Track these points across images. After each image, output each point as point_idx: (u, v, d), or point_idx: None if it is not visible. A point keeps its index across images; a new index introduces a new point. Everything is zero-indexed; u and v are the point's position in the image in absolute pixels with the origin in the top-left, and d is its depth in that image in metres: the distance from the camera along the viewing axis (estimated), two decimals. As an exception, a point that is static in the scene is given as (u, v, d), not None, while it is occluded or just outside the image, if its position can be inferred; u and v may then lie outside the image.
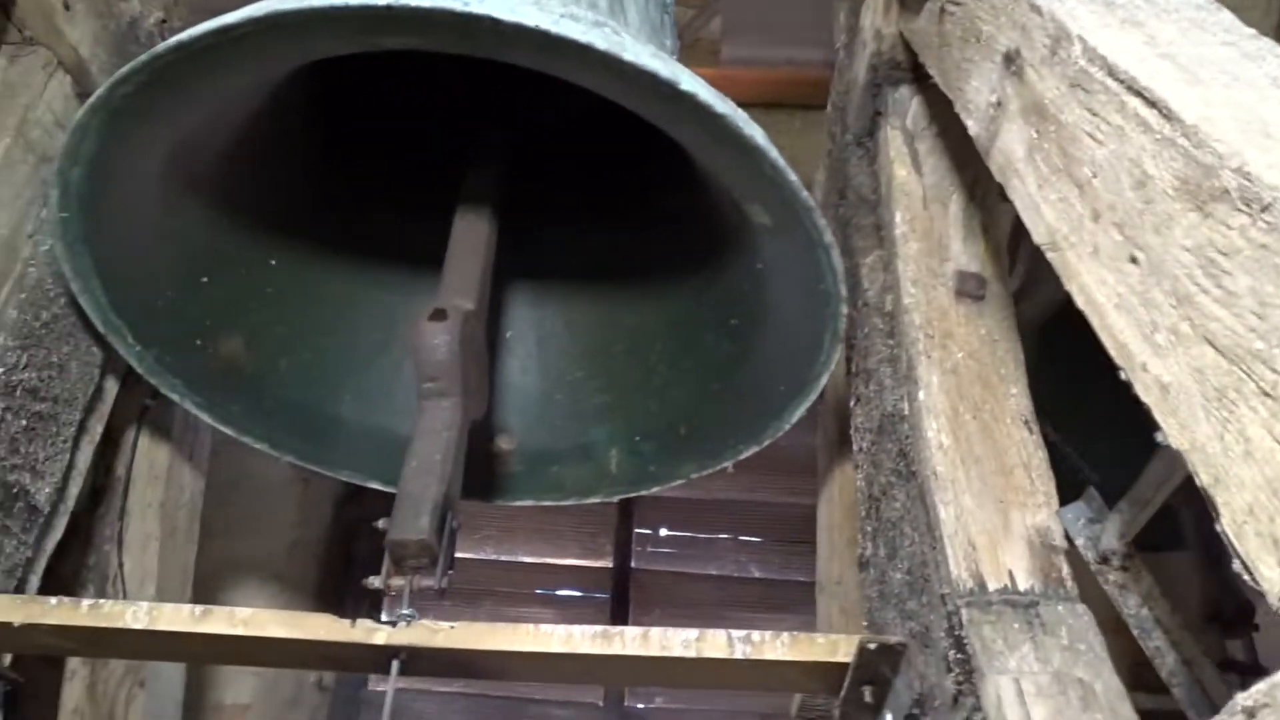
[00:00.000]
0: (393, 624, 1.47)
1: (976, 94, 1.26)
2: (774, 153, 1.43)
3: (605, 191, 2.26)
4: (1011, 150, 1.11)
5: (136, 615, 1.46)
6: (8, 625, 1.46)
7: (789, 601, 3.94)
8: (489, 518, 4.09)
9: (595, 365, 2.26)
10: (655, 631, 1.43)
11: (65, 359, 1.87)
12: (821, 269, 1.61)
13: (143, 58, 1.36)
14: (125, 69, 1.38)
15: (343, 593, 3.99)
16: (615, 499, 2.32)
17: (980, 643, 1.27)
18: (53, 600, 1.48)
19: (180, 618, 1.45)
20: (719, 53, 2.37)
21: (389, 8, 1.27)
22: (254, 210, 1.96)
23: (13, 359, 1.73)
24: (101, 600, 1.47)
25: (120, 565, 2.30)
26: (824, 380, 1.83)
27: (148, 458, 2.37)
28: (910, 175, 1.73)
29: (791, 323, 1.82)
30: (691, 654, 1.42)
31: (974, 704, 1.24)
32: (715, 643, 1.42)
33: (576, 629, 1.44)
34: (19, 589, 1.74)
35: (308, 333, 2.14)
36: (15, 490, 1.73)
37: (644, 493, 2.25)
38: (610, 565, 3.98)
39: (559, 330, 2.31)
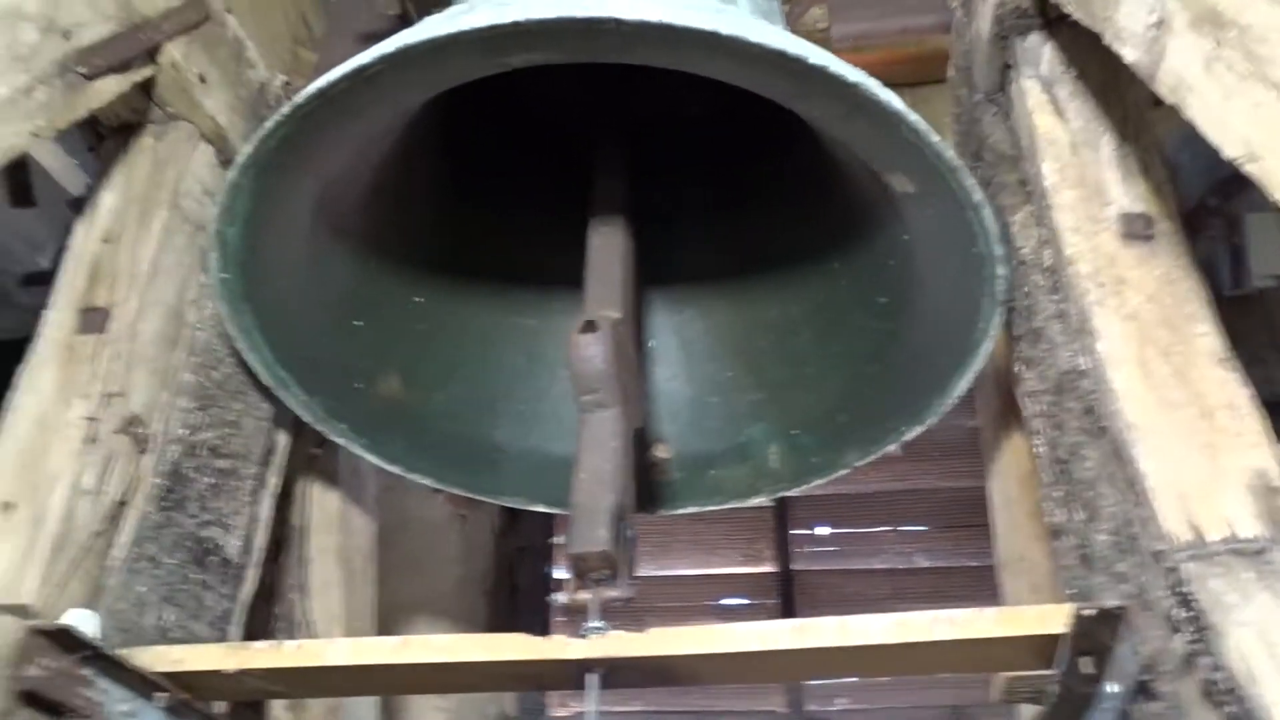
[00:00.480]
0: (585, 637, 1.47)
1: (1130, 19, 1.19)
2: (913, 116, 1.39)
3: (730, 188, 2.25)
4: (1183, 68, 1.04)
5: (338, 652, 1.49)
6: (219, 673, 1.52)
7: (962, 588, 3.81)
8: (643, 533, 4.07)
9: (743, 363, 2.23)
10: (852, 620, 1.39)
11: (239, 416, 1.95)
12: (974, 231, 1.55)
13: (285, 109, 1.41)
14: (270, 123, 1.43)
15: (511, 623, 4.04)
16: (779, 496, 2.28)
17: (1209, 597, 1.19)
18: (259, 645, 1.54)
19: (381, 650, 1.49)
20: (828, 34, 2.31)
21: (515, 25, 1.28)
22: (394, 251, 2.01)
23: (194, 420, 1.81)
24: (304, 641, 1.51)
25: (307, 611, 2.38)
26: (987, 348, 1.76)
27: (320, 506, 2.46)
28: (1054, 123, 1.65)
29: (946, 292, 1.76)
30: (892, 640, 1.37)
31: (1212, 663, 1.16)
32: (916, 626, 1.37)
33: (771, 625, 1.41)
34: (221, 640, 1.82)
35: (457, 365, 2.18)
36: (209, 545, 1.81)
37: (808, 487, 2.20)
38: (773, 570, 3.93)
39: (701, 333, 2.30)
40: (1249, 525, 1.26)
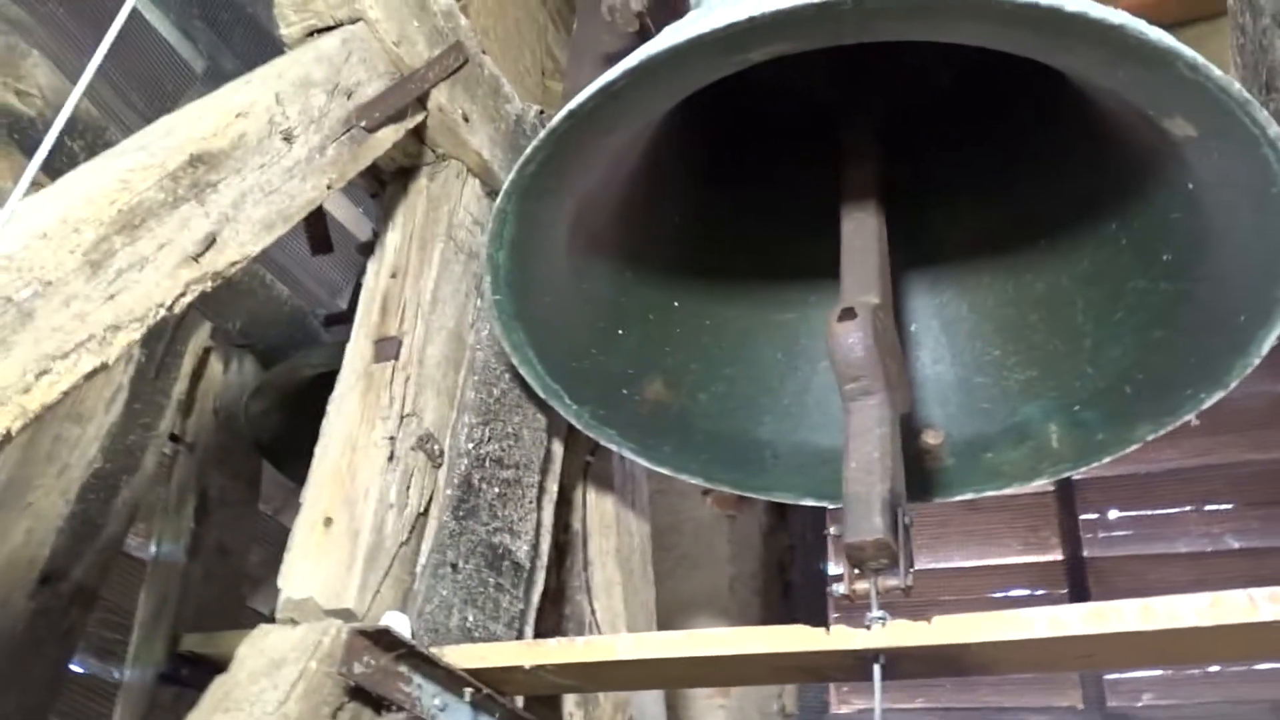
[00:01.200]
0: (868, 627, 1.45)
1: None
2: (1189, 52, 1.28)
3: (981, 160, 2.15)
4: None
5: (625, 647, 1.55)
6: (518, 669, 1.62)
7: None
8: (917, 525, 3.97)
9: (1012, 340, 2.12)
10: (1158, 602, 1.29)
11: (518, 428, 2.07)
12: (1272, 170, 1.41)
13: (542, 134, 1.49)
14: (529, 149, 1.51)
15: (788, 620, 4.04)
16: (1063, 476, 2.14)
17: None
18: (552, 641, 1.62)
19: (665, 644, 1.53)
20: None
21: (750, 20, 1.29)
22: (648, 258, 2.07)
23: (479, 434, 1.95)
24: (593, 637, 1.58)
25: (593, 611, 2.49)
26: (1297, 299, 1.59)
27: (597, 510, 2.57)
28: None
29: (1240, 242, 1.60)
30: (1206, 623, 1.26)
31: None
32: (1233, 606, 1.26)
33: (1063, 609, 1.34)
34: (518, 639, 1.93)
35: (717, 365, 2.21)
36: (500, 551, 1.93)
37: (1094, 465, 2.06)
38: (1060, 558, 3.71)
39: (963, 313, 2.21)
40: None
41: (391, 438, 1.79)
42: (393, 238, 2.07)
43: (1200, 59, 1.29)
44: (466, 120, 2.08)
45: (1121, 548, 3.67)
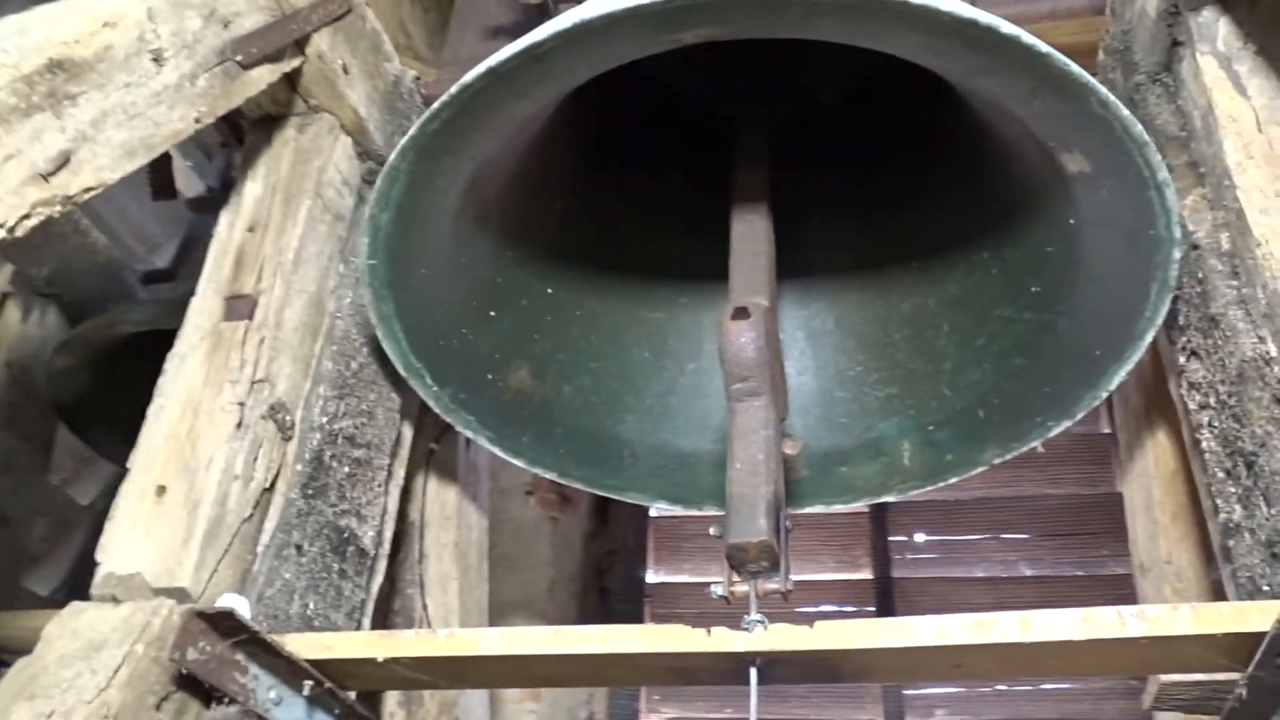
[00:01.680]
0: (747, 630, 1.43)
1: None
2: (1103, 90, 1.33)
3: (864, 178, 2.19)
4: None
5: (492, 642, 1.46)
6: (370, 662, 1.50)
7: (1066, 598, 3.70)
8: (737, 539, 4.03)
9: (875, 357, 2.17)
10: (1036, 616, 1.32)
11: (373, 406, 1.94)
12: (1153, 212, 1.48)
13: (453, 90, 1.39)
14: (436, 104, 1.41)
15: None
16: (910, 494, 2.21)
17: None
18: (409, 633, 1.52)
19: (535, 641, 1.45)
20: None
21: (693, -3, 1.25)
22: (530, 240, 1.99)
23: (333, 408, 1.81)
24: (456, 630, 1.49)
25: (425, 606, 2.37)
26: (1150, 337, 1.68)
27: (438, 501, 2.45)
28: (1235, 99, 1.58)
29: (1109, 278, 1.69)
30: (1079, 636, 1.31)
31: None
32: (1104, 622, 1.31)
33: (947, 619, 1.35)
34: (357, 631, 1.80)
35: (585, 358, 2.15)
36: (346, 535, 1.80)
37: (940, 485, 2.13)
38: (870, 576, 3.85)
39: (829, 327, 2.24)
40: None
41: (241, 403, 1.64)
42: (252, 188, 1.91)
43: (1112, 97, 1.34)
44: (346, 72, 1.94)
45: (926, 570, 3.85)
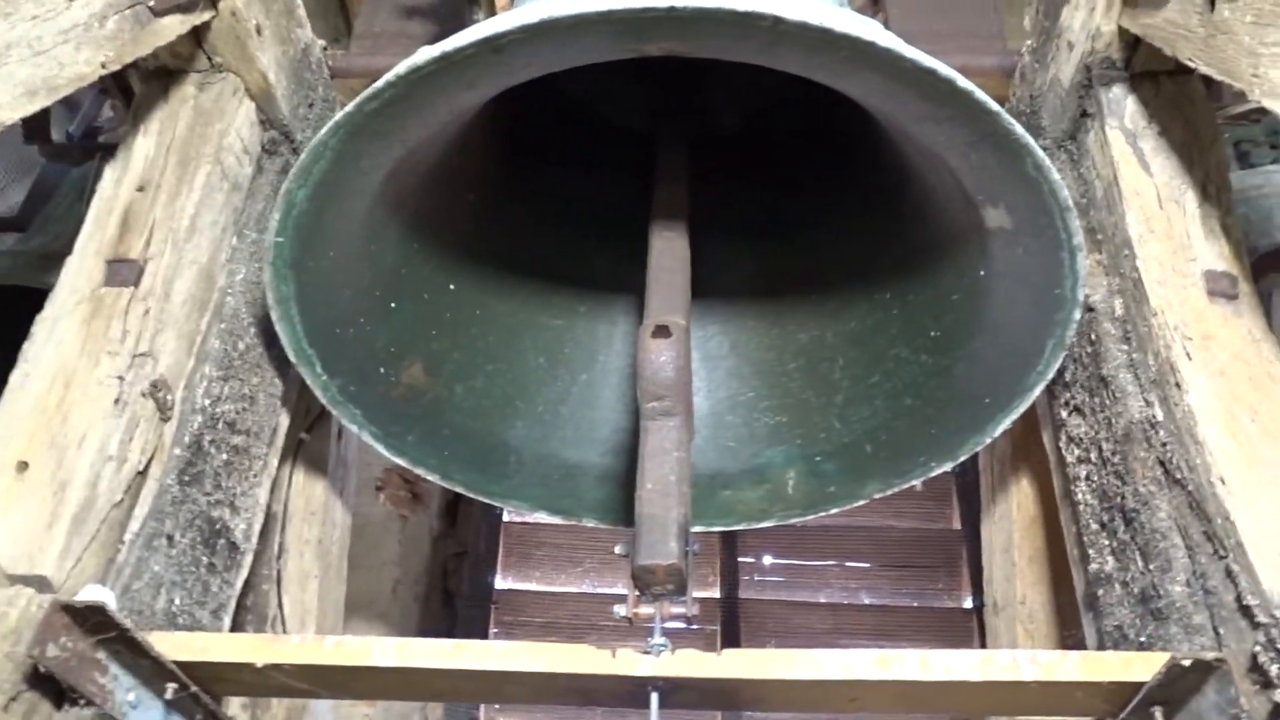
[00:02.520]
0: (651, 653, 1.41)
1: (1294, 79, 1.20)
2: (1040, 152, 1.38)
3: (773, 206, 2.22)
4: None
5: (384, 653, 1.39)
6: (248, 667, 1.40)
7: (902, 628, 3.85)
8: (589, 549, 4.03)
9: (768, 384, 2.20)
10: (936, 655, 1.36)
11: (255, 391, 1.83)
12: (1063, 274, 1.55)
13: (399, 70, 1.32)
14: (380, 84, 1.33)
15: (446, 629, 3.91)
16: (789, 521, 2.24)
17: (1316, 656, 1.20)
18: (295, 639, 1.43)
19: (433, 653, 1.39)
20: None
21: (670, 9, 1.23)
22: (441, 233, 1.92)
23: (216, 390, 1.69)
24: (345, 638, 1.41)
25: (280, 604, 2.25)
26: (1039, 390, 1.76)
27: (304, 494, 2.33)
28: (1139, 175, 1.68)
29: (1009, 331, 1.76)
30: (976, 678, 1.35)
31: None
32: (1002, 664, 1.35)
33: (854, 653, 1.37)
34: (219, 630, 1.69)
35: (480, 359, 2.09)
36: (219, 526, 1.68)
37: (819, 515, 2.17)
38: (718, 596, 3.90)
39: (724, 350, 2.26)
40: (1343, 588, 1.28)
41: (120, 377, 1.51)
42: (143, 145, 1.77)
43: (1047, 160, 1.40)
44: (259, 34, 1.82)
45: (772, 593, 3.93)
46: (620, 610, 1.53)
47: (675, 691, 1.42)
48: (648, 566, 1.45)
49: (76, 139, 2.93)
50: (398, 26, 2.28)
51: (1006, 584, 2.32)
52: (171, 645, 1.39)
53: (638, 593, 1.51)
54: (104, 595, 1.38)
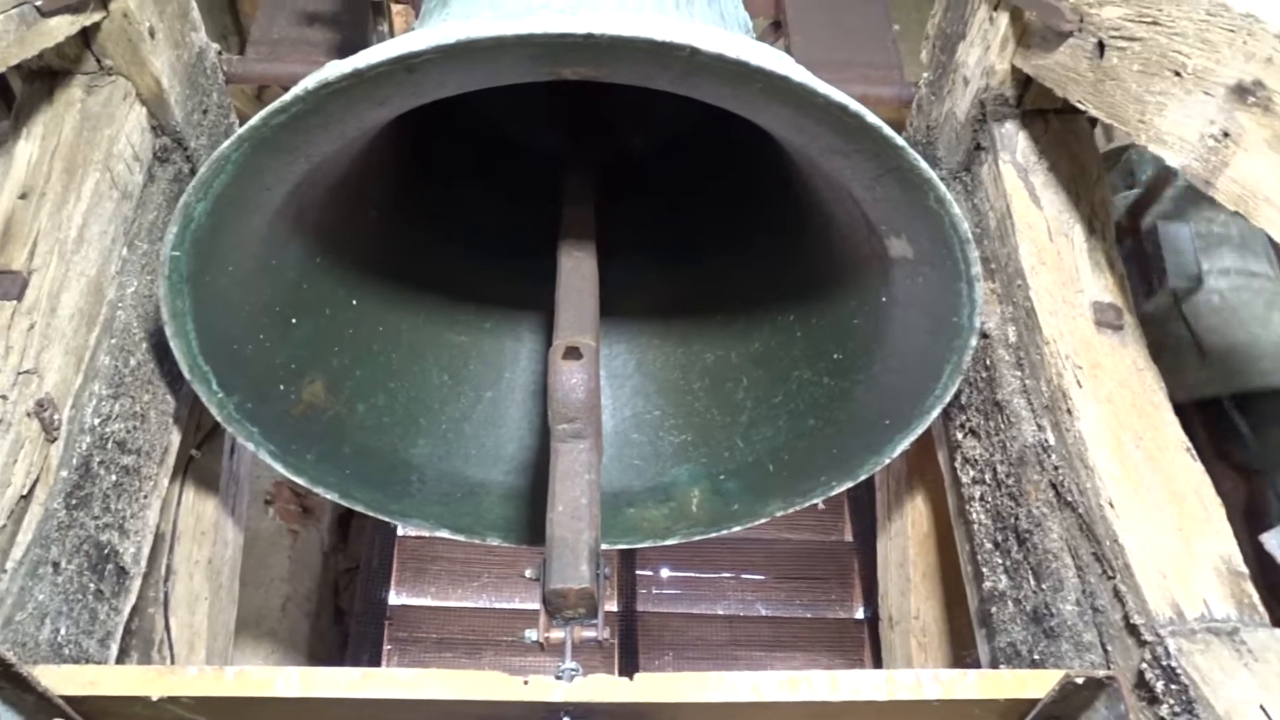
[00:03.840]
0: (561, 679, 1.40)
1: (1180, 126, 1.27)
2: (942, 187, 1.43)
3: (677, 226, 2.24)
4: (1257, 179, 1.13)
5: (288, 682, 1.35)
6: (142, 700, 1.34)
7: (796, 639, 3.92)
8: (485, 564, 3.98)
9: (673, 403, 2.21)
10: (844, 675, 1.39)
11: (146, 408, 1.76)
12: (960, 302, 1.60)
13: (308, 85, 1.28)
14: (288, 96, 1.29)
15: (339, 650, 3.81)
16: (692, 539, 2.26)
17: (1198, 673, 1.27)
18: (193, 670, 1.36)
19: (338, 683, 1.35)
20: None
21: (588, 36, 1.23)
22: (344, 247, 1.88)
23: (106, 409, 1.62)
24: (247, 668, 1.36)
25: (168, 628, 2.16)
26: (936, 413, 1.82)
27: (194, 513, 2.25)
28: (1030, 208, 1.75)
29: (908, 356, 1.81)
30: (882, 696, 1.38)
31: (1199, 734, 1.23)
32: (906, 684, 1.39)
33: (762, 676, 1.39)
34: (104, 660, 1.61)
35: (382, 376, 2.05)
36: (107, 551, 1.61)
37: (722, 532, 2.20)
38: (615, 609, 3.90)
39: (630, 369, 2.27)
40: (1220, 605, 1.35)
41: (3, 396, 1.43)
42: (25, 149, 1.68)
43: (948, 194, 1.44)
44: (152, 37, 1.75)
45: (669, 605, 3.95)
46: (531, 634, 1.52)
47: (587, 717, 1.42)
48: (559, 590, 1.45)
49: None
50: (297, 33, 2.22)
51: (901, 598, 2.39)
52: (59, 679, 1.32)
53: (549, 616, 1.51)
54: (-18, 629, 1.30)
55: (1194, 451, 1.51)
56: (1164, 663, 1.30)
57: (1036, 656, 1.54)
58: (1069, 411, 1.55)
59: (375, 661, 3.62)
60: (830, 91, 1.31)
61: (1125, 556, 1.40)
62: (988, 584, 1.74)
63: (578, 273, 1.83)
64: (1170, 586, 1.36)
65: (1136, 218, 3.12)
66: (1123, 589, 1.40)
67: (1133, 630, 1.37)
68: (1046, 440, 1.61)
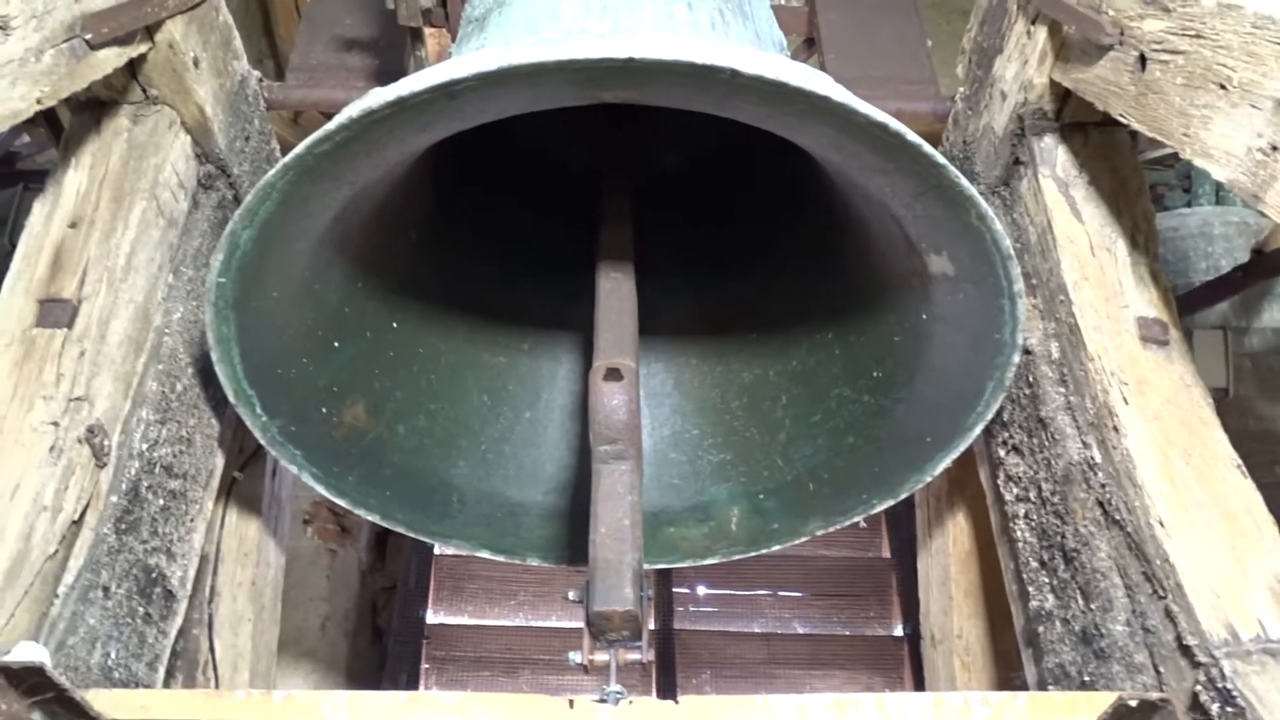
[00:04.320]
0: (611, 702, 1.40)
1: (1226, 140, 1.26)
2: (984, 204, 1.42)
3: (717, 244, 2.24)
4: (1308, 194, 1.11)
5: (335, 706, 1.36)
6: (191, 723, 1.35)
7: (835, 657, 3.89)
8: (522, 582, 3.98)
9: (711, 422, 2.21)
10: (890, 698, 1.38)
11: (192, 432, 1.78)
12: (1003, 318, 1.59)
13: (352, 114, 1.30)
14: (332, 125, 1.31)
15: (377, 670, 3.83)
16: (732, 559, 2.25)
17: (1254, 695, 1.24)
18: (240, 694, 1.38)
19: (385, 707, 1.36)
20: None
21: (629, 60, 1.23)
22: (384, 271, 1.90)
23: (154, 434, 1.64)
24: (295, 692, 1.37)
25: (212, 649, 2.18)
26: (978, 430, 1.80)
27: (236, 535, 2.27)
28: (1072, 223, 1.74)
29: (949, 373, 1.79)
30: (930, 719, 1.37)
31: (1258, 757, 1.21)
32: (953, 706, 1.37)
33: (808, 699, 1.38)
34: (152, 684, 1.63)
35: (423, 397, 2.06)
36: (155, 575, 1.63)
37: (762, 551, 2.19)
38: (653, 627, 3.89)
39: (668, 388, 2.27)
40: (1276, 626, 1.33)
41: (55, 423, 1.45)
42: (74, 179, 1.71)
43: (989, 211, 1.43)
44: (196, 66, 1.78)
45: (706, 623, 3.93)
46: (575, 657, 1.53)
47: (631, 740, 1.41)
48: (604, 613, 1.45)
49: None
50: (335, 59, 2.25)
51: (943, 617, 2.36)
52: (110, 703, 1.33)
53: (593, 639, 1.51)
54: (38, 653, 1.32)
55: (1244, 469, 1.48)
56: (1219, 685, 1.28)
57: (1087, 678, 1.52)
58: (1115, 429, 1.54)
59: (413, 680, 3.64)
60: (871, 111, 1.31)
61: (1177, 576, 1.38)
62: (1034, 603, 1.72)
63: (617, 294, 1.84)
64: (1224, 607, 1.34)
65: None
66: (1175, 609, 1.38)
67: (1186, 651, 1.35)
68: (1092, 458, 1.59)
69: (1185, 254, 3.01)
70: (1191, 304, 2.89)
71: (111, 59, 1.58)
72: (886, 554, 4.06)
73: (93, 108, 1.78)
